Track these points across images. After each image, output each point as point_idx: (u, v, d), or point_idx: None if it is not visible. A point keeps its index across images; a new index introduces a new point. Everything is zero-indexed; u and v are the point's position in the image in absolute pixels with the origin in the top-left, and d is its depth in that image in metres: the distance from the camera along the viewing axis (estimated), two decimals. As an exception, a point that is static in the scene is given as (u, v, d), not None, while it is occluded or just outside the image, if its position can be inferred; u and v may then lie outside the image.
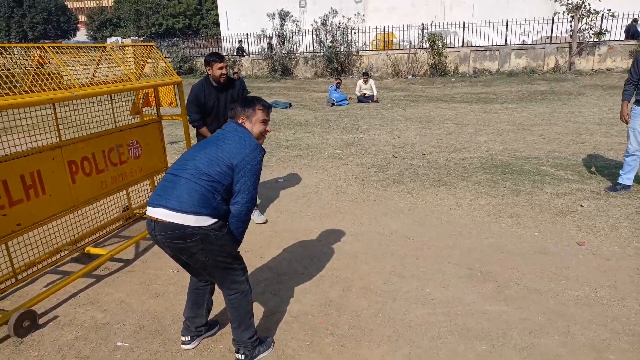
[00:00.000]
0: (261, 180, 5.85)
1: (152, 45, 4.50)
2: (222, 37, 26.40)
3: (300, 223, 4.52)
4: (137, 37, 40.70)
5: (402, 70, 19.98)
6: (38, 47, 3.44)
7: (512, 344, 2.62)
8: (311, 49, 22.12)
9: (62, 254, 3.79)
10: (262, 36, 22.27)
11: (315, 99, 14.13)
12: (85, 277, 3.55)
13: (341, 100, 12.40)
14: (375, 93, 12.77)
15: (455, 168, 6.08)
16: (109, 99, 4.13)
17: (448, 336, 2.71)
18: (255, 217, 4.61)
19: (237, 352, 2.53)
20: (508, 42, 20.31)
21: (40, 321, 3.02)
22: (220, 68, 4.15)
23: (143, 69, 4.38)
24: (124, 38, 38.09)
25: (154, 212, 2.23)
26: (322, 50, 21.11)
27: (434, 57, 19.33)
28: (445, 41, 19.56)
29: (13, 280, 3.38)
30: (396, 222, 4.42)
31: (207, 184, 2.22)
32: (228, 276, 2.39)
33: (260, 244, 4.09)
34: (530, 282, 3.27)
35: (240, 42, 23.16)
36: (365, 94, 12.75)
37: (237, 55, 22.77)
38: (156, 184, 4.86)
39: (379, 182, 5.63)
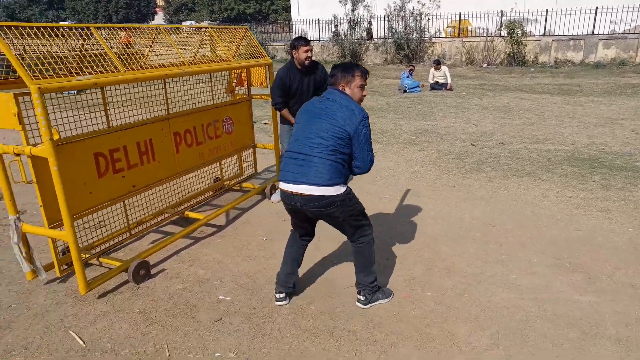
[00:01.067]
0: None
1: (246, 28, 4.75)
2: (292, 23, 26.73)
3: (378, 204, 4.63)
4: (210, 22, 42.21)
5: (476, 58, 19.27)
6: (155, 28, 3.77)
7: (606, 335, 2.59)
8: (382, 34, 21.88)
9: (165, 215, 4.17)
10: (333, 21, 22.31)
11: (386, 85, 14.05)
12: (185, 238, 3.89)
13: (413, 87, 12.25)
14: (449, 81, 12.48)
15: (538, 159, 5.89)
16: (209, 77, 4.44)
17: (536, 320, 2.73)
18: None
19: (359, 293, 2.93)
20: (595, 32, 18.93)
21: (152, 272, 3.38)
22: (306, 51, 4.21)
23: (237, 51, 4.65)
24: (197, 22, 39.66)
25: (296, 188, 2.62)
26: (393, 37, 20.83)
27: (512, 46, 18.46)
28: (524, 29, 18.58)
29: (127, 234, 3.78)
30: (477, 209, 4.40)
31: (337, 158, 2.59)
32: (358, 229, 2.82)
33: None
34: (624, 276, 3.18)
35: (369, 23, 22.46)
36: (437, 81, 12.50)
37: (366, 39, 22.24)
38: (244, 158, 5.17)
39: (457, 169, 5.59)
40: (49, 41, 2.87)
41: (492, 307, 2.87)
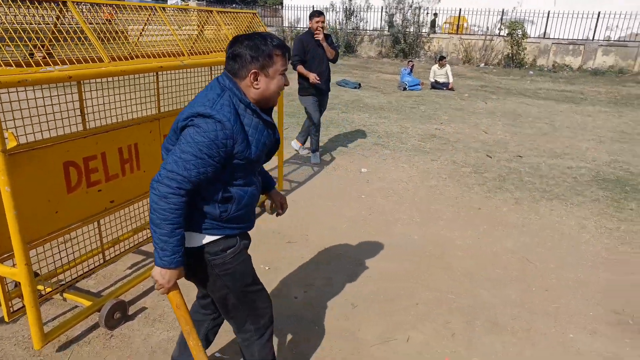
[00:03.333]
0: (342, 169, 5.39)
1: (254, 13, 4.07)
2: (283, 8, 25.77)
3: (395, 226, 4.05)
4: (199, 2, 40.67)
5: (474, 57, 18.81)
6: (150, 7, 3.06)
7: None
8: (378, 26, 21.19)
9: (146, 232, 3.50)
10: (329, 9, 21.49)
11: (384, 80, 13.44)
12: (173, 264, 3.24)
13: (414, 85, 11.67)
14: (451, 80, 11.95)
15: (563, 178, 5.39)
16: (209, 70, 3.75)
17: (615, 407, 2.20)
18: (312, 157, 5.61)
19: None
20: (595, 37, 18.65)
21: (130, 311, 2.73)
22: (317, 22, 5.03)
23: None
24: (184, 2, 38.11)
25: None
26: (389, 29, 20.16)
27: (511, 47, 18.04)
28: (525, 30, 18.16)
29: (100, 259, 3.11)
30: (510, 239, 3.87)
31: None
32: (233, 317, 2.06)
33: (354, 246, 3.66)
34: (701, 342, 2.68)
35: (435, 14, 21.17)
36: (437, 80, 11.96)
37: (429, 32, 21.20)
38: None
39: (478, 185, 5.05)
40: (9, 13, 2.16)
41: (556, 382, 2.34)
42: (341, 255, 3.52)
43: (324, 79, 5.14)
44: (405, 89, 11.57)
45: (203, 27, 3.62)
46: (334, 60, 5.26)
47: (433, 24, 20.57)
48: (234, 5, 36.59)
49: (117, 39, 2.79)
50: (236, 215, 1.73)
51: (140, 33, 3.00)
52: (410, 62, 12.46)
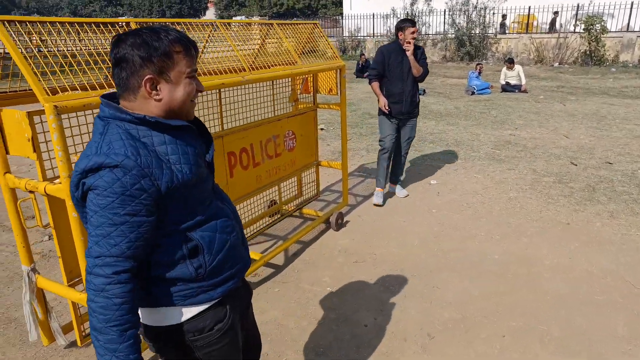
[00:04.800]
0: (410, 181, 5.10)
1: (315, 23, 3.95)
2: (343, 18, 25.82)
3: (472, 243, 3.72)
4: (261, 17, 42.01)
5: (547, 56, 17.63)
6: (210, 24, 3.03)
7: None
8: (441, 29, 20.56)
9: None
10: (390, 16, 21.20)
11: (450, 85, 12.91)
12: (238, 285, 3.15)
13: (483, 89, 11.08)
14: (523, 82, 11.21)
15: (666, 187, 4.75)
16: (271, 83, 3.67)
17: None
18: (375, 196, 4.54)
19: None
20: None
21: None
22: (412, 32, 4.19)
23: (303, 50, 3.86)
24: (247, 17, 39.52)
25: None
26: (453, 32, 19.48)
27: (589, 43, 16.71)
28: (604, 24, 16.76)
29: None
30: (607, 258, 3.40)
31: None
32: None
33: (427, 266, 3.38)
34: None
35: (555, 12, 19.13)
36: (509, 82, 11.26)
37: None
38: (304, 179, 4.39)
39: (564, 197, 4.56)
40: (77, 40, 2.18)
41: None
42: (413, 277, 3.26)
43: (406, 100, 4.28)
44: (473, 93, 11.01)
45: (264, 41, 3.55)
46: (421, 79, 4.36)
47: (502, 24, 19.61)
48: (294, 18, 37.36)
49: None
50: (218, 263, 1.34)
51: (202, 50, 2.97)
52: (478, 65, 11.87)
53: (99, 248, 1.18)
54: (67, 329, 2.52)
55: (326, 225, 4.07)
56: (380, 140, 4.49)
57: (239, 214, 3.61)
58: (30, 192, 2.14)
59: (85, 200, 1.21)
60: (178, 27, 2.86)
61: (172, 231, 1.29)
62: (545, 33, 18.54)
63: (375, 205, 4.46)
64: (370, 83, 4.42)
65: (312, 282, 3.23)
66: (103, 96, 1.30)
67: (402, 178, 4.90)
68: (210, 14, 60.82)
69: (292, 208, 4.22)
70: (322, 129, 7.72)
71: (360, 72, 14.97)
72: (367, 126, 7.93)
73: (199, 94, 1.35)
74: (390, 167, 4.65)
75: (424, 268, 3.37)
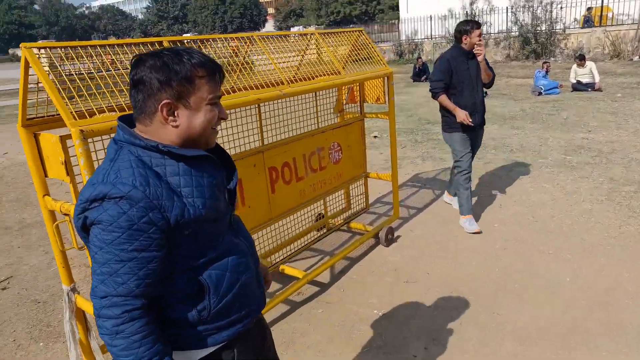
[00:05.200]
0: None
1: (360, 30, 3.77)
2: (400, 21, 25.37)
3: (540, 262, 3.34)
4: (317, 26, 42.50)
5: (624, 50, 16.18)
6: (247, 38, 2.95)
7: None
8: (503, 28, 19.55)
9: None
10: (448, 17, 20.51)
11: (514, 86, 12.17)
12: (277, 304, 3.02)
13: (551, 89, 10.29)
14: (597, 79, 10.29)
15: None
16: (314, 94, 3.54)
17: None
18: (467, 224, 3.92)
19: None
20: None
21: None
22: (479, 35, 3.72)
23: (348, 58, 3.69)
24: (305, 27, 40.08)
25: None
26: (517, 30, 18.45)
27: (675, 32, 15.12)
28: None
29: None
30: None
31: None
32: None
33: (487, 289, 3.07)
34: None
35: (588, 9, 18.44)
36: (581, 80, 10.38)
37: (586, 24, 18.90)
38: (352, 192, 4.20)
39: (649, 209, 4.02)
40: (106, 62, 2.16)
41: None
42: (471, 301, 2.96)
43: (479, 110, 3.83)
44: (540, 93, 10.27)
45: (305, 52, 3.43)
46: (490, 85, 3.97)
47: (587, 18, 18.28)
48: (351, 25, 37.42)
49: (242, 70, 2.75)
50: (225, 305, 1.22)
51: (240, 66, 2.89)
52: (545, 64, 11.07)
53: (105, 287, 1.10)
54: (105, 348, 2.51)
55: (375, 240, 3.86)
56: (456, 162, 3.92)
57: (282, 229, 3.50)
58: (65, 214, 2.14)
59: (85, 231, 1.14)
60: (213, 43, 2.81)
61: (177, 268, 1.18)
62: (621, 25, 17.04)
63: (475, 233, 3.86)
64: (436, 97, 3.85)
65: (359, 304, 3.03)
66: (120, 118, 1.23)
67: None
68: (270, 26, 62.53)
69: (340, 222, 4.04)
70: (375, 137, 7.50)
71: (417, 75, 14.56)
72: (423, 132, 7.60)
73: (222, 121, 1.25)
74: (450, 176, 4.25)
75: (484, 291, 3.06)
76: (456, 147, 3.89)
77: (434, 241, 3.82)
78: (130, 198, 1.07)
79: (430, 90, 3.93)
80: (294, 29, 40.19)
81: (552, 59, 17.29)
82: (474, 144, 3.99)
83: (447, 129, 3.90)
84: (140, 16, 73.33)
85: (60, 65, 2.01)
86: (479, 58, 3.77)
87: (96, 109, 1.97)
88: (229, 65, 2.80)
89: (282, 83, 2.85)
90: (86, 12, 72.87)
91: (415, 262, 3.52)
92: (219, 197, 1.23)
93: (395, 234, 3.94)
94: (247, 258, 1.30)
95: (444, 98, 3.80)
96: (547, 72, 10.77)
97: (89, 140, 1.90)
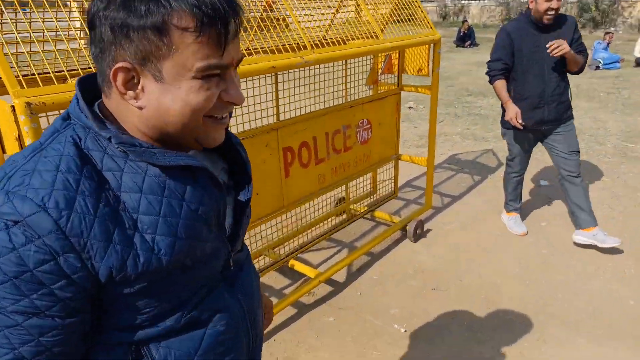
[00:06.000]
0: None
1: (405, -16, 3.14)
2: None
3: (594, 279, 2.82)
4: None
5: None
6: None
7: None
8: (561, -9, 17.91)
9: (261, 261, 2.96)
10: (500, -24, 18.92)
11: (567, 58, 11.07)
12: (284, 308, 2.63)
13: (612, 63, 9.28)
14: (666, 55, 9.21)
15: None
16: (343, 62, 3.00)
17: None
18: (511, 223, 3.38)
19: None
20: None
21: None
22: (549, 1, 2.75)
23: (389, 19, 3.10)
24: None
25: None
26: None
27: None
28: None
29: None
30: None
31: None
32: None
33: (531, 308, 2.59)
34: None
35: None
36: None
37: None
38: (380, 177, 3.71)
39: None
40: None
41: None
42: (511, 322, 2.50)
43: (549, 103, 2.96)
44: (598, 67, 9.29)
45: (337, 9, 2.86)
46: (578, 71, 3.01)
47: None
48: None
49: (277, 27, 2.26)
50: None
51: (259, 18, 2.37)
52: (608, 34, 9.96)
53: None
54: None
55: (402, 233, 3.39)
56: (508, 160, 3.33)
57: (294, 216, 3.06)
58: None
59: None
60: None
61: (111, 338, 0.77)
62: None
63: (521, 235, 3.32)
64: (491, 82, 3.07)
65: (377, 313, 2.61)
66: (81, 80, 0.77)
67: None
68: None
69: (362, 209, 3.58)
70: (410, 108, 6.88)
71: (461, 40, 13.55)
72: (463, 106, 6.91)
73: (232, 107, 0.76)
74: (576, 199, 3.07)
75: (526, 311, 2.58)
76: (510, 143, 3.23)
77: (470, 240, 3.32)
78: (30, 226, 0.63)
79: (486, 72, 3.15)
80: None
81: (613, 28, 15.77)
82: (559, 147, 3.05)
83: (505, 122, 3.13)
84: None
85: (15, 12, 1.56)
86: (556, 52, 2.76)
87: (54, 73, 1.53)
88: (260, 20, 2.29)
89: (305, 47, 2.33)
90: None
91: (447, 264, 3.05)
92: (204, 234, 0.78)
93: (426, 228, 3.47)
94: (239, 331, 0.87)
95: (499, 85, 3.01)
96: (608, 44, 9.71)
97: (41, 115, 1.47)
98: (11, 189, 0.64)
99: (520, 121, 2.95)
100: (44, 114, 1.49)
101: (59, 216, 0.63)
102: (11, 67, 1.41)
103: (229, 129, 0.98)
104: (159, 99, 0.70)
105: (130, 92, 0.70)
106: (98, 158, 0.70)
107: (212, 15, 0.66)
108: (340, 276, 2.95)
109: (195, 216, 0.76)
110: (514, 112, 2.95)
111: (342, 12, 2.97)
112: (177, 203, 0.74)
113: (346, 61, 2.98)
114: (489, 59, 3.15)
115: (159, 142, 0.75)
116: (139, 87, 0.70)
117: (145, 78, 0.69)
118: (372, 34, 2.77)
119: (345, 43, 2.63)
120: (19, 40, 1.47)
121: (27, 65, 1.50)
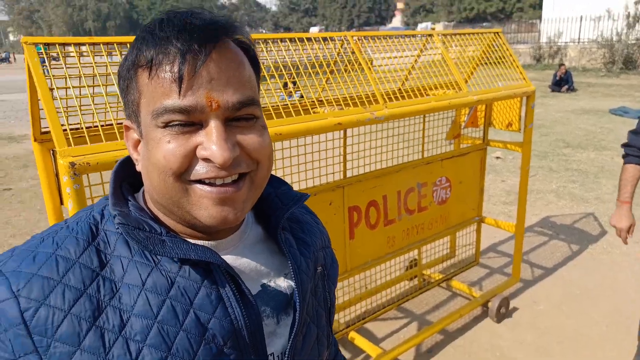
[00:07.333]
0: (617, 250, 3.48)
1: (497, 32, 2.85)
2: (542, 21, 22.63)
3: None
4: (447, 23, 40.28)
5: None
6: (341, 38, 2.26)
7: None
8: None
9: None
10: (604, 18, 17.64)
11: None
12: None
13: None
14: None
15: None
16: (421, 119, 2.74)
17: None
18: None
19: None
20: None
21: None
22: None
23: (475, 69, 2.80)
24: (434, 24, 38.16)
25: None
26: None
27: None
28: None
29: None
30: None
31: None
32: None
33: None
34: None
35: None
36: None
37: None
38: (459, 241, 3.31)
39: None
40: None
41: None
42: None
43: None
44: None
45: (418, 57, 2.63)
46: None
47: None
48: (483, 24, 34.81)
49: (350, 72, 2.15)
50: None
51: (329, 72, 2.21)
52: None
53: None
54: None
55: (483, 309, 2.94)
56: None
57: (359, 281, 2.76)
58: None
59: None
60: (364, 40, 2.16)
61: None
62: None
63: None
64: (624, 162, 2.15)
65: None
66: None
67: None
68: (397, 22, 61.08)
69: (438, 276, 3.18)
70: (498, 158, 6.35)
71: (557, 85, 12.65)
72: (559, 159, 6.24)
73: (227, 166, 0.56)
74: None
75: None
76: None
77: (565, 326, 2.78)
78: None
79: (622, 144, 2.20)
80: (421, 26, 38.48)
81: None
82: None
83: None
84: (273, 8, 77.06)
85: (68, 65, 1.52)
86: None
87: (102, 127, 1.44)
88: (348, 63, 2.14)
89: (377, 101, 2.11)
90: (227, 2, 78.56)
91: (536, 355, 2.55)
92: (211, 358, 0.59)
93: (511, 305, 2.98)
94: None
95: (630, 172, 2.11)
96: None
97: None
98: (2, 268, 0.56)
99: (627, 235, 2.15)
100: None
101: (27, 307, 0.53)
102: (59, 115, 1.34)
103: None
104: (144, 159, 0.59)
105: (134, 154, 0.63)
106: (112, 241, 0.59)
107: (165, 44, 0.53)
108: (407, 357, 2.57)
109: (201, 330, 0.58)
110: (624, 223, 2.12)
111: (426, 55, 2.73)
112: (181, 308, 0.58)
113: (424, 117, 2.71)
114: (630, 131, 2.16)
115: (183, 222, 0.61)
116: (139, 147, 0.61)
117: (137, 134, 0.60)
118: (455, 83, 2.49)
119: (422, 96, 2.38)
120: (70, 85, 1.41)
121: (75, 111, 1.43)
